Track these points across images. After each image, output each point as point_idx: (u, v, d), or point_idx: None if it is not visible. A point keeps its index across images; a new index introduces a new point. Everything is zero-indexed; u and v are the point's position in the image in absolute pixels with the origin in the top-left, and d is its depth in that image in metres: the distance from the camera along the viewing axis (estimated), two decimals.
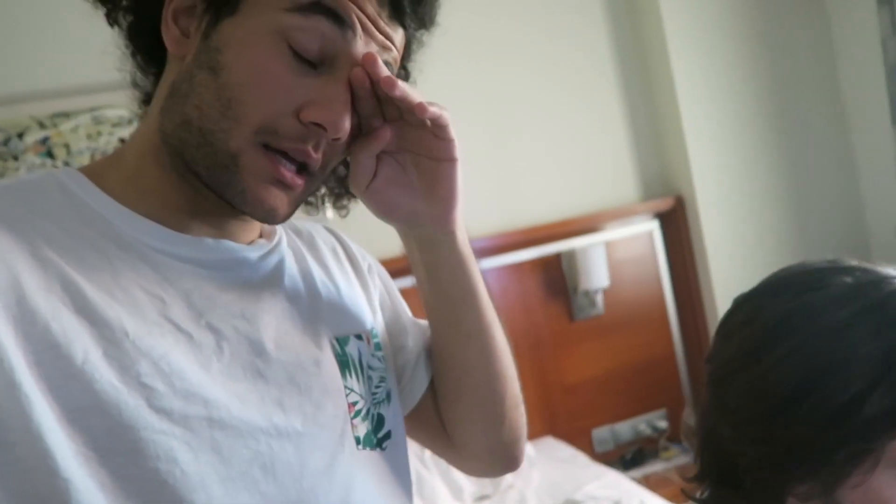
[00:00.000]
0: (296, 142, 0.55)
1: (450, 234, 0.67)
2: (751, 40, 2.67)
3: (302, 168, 0.57)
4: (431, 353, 0.75)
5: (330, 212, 0.75)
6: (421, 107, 0.58)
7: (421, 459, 2.07)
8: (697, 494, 0.72)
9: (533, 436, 2.45)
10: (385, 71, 0.57)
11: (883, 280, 0.60)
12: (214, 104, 0.54)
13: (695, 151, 2.62)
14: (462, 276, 0.69)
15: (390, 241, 0.72)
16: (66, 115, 2.09)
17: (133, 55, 0.62)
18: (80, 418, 0.47)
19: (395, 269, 0.83)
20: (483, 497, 2.16)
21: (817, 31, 2.76)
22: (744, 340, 0.65)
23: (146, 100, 0.64)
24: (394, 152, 0.63)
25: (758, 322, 0.64)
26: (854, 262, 0.64)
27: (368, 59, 0.56)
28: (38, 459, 0.45)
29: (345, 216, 0.73)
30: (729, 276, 2.60)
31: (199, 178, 0.56)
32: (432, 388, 0.75)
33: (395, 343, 0.74)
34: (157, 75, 0.62)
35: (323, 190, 0.72)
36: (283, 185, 0.56)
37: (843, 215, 2.74)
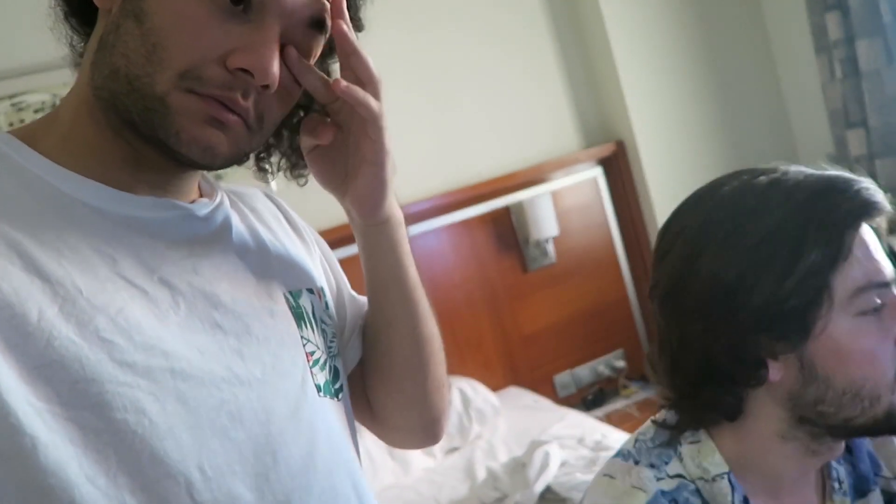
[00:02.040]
0: (222, 88, 0.54)
1: (373, 227, 0.68)
2: None
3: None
4: (365, 325, 0.77)
5: (274, 183, 0.74)
6: (344, 92, 0.59)
7: None
8: (660, 418, 0.75)
9: (497, 387, 2.50)
10: (341, 24, 0.58)
11: (766, 171, 0.69)
12: (139, 50, 0.53)
13: (631, 96, 2.66)
14: (387, 265, 0.70)
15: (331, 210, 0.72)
16: None
17: (66, 18, 0.61)
18: (42, 376, 0.47)
19: (338, 237, 0.83)
20: (452, 449, 2.21)
21: None
22: (678, 254, 0.70)
23: (80, 63, 0.63)
24: (341, 128, 0.64)
25: (683, 235, 0.70)
26: (737, 171, 0.72)
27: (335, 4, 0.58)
28: (0, 419, 0.45)
29: (303, 185, 0.73)
30: None
31: (134, 128, 0.55)
32: (362, 364, 0.76)
33: (338, 313, 0.75)
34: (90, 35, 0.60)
35: (278, 158, 0.71)
36: (219, 122, 0.55)
37: (776, 146, 2.83)
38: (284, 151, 0.71)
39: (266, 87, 0.56)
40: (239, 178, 0.79)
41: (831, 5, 2.39)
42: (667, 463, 0.70)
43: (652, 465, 0.70)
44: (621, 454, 0.74)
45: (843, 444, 0.72)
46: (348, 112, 0.62)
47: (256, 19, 0.55)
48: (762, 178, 0.68)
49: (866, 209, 0.65)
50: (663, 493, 0.68)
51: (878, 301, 0.64)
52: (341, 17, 0.59)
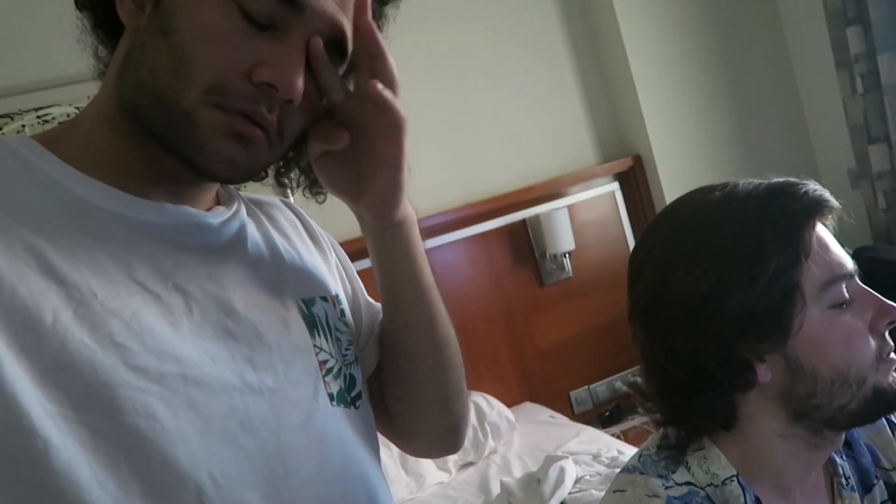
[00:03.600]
0: (247, 102, 0.55)
1: (388, 229, 0.67)
2: None
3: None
4: (380, 335, 0.76)
5: (294, 195, 0.74)
6: (378, 94, 0.58)
7: None
8: (666, 441, 0.75)
9: (512, 402, 2.48)
10: (370, 22, 0.58)
11: (717, 188, 0.72)
12: (167, 65, 0.54)
13: (648, 110, 2.66)
14: (402, 267, 0.69)
15: (350, 222, 0.72)
16: (9, 117, 2.03)
17: (93, 29, 0.62)
18: (55, 378, 0.47)
19: (355, 249, 0.83)
20: (467, 464, 2.19)
21: None
22: (652, 272, 0.72)
23: (105, 72, 0.63)
24: (352, 131, 0.63)
25: (654, 254, 0.73)
26: (694, 189, 0.75)
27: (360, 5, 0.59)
28: (13, 420, 0.45)
29: (322, 202, 0.73)
30: None
31: (158, 141, 0.56)
32: (379, 370, 0.76)
33: (354, 319, 0.74)
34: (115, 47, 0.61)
35: (297, 175, 0.71)
36: (242, 137, 0.56)
37: (795, 160, 2.81)
38: (304, 168, 0.71)
39: (290, 101, 0.56)
40: (259, 191, 0.79)
41: (852, 19, 2.37)
42: (674, 472, 0.71)
43: (659, 476, 0.70)
44: (626, 469, 0.74)
45: (843, 436, 0.74)
46: (369, 115, 0.62)
47: (282, 35, 0.56)
48: (716, 194, 0.71)
49: (818, 207, 0.68)
50: (674, 498, 0.69)
51: (847, 294, 0.68)
52: (366, 14, 0.59)
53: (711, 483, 0.70)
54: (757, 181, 0.72)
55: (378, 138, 0.62)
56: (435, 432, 0.77)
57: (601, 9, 2.67)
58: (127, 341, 0.50)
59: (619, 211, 2.78)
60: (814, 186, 0.69)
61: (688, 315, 0.69)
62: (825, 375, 0.67)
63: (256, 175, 0.63)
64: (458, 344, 0.75)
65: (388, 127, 0.61)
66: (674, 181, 2.68)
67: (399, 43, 0.63)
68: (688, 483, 0.70)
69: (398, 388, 0.74)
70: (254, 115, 0.55)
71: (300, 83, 0.56)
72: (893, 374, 0.70)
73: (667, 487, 0.69)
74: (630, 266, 0.76)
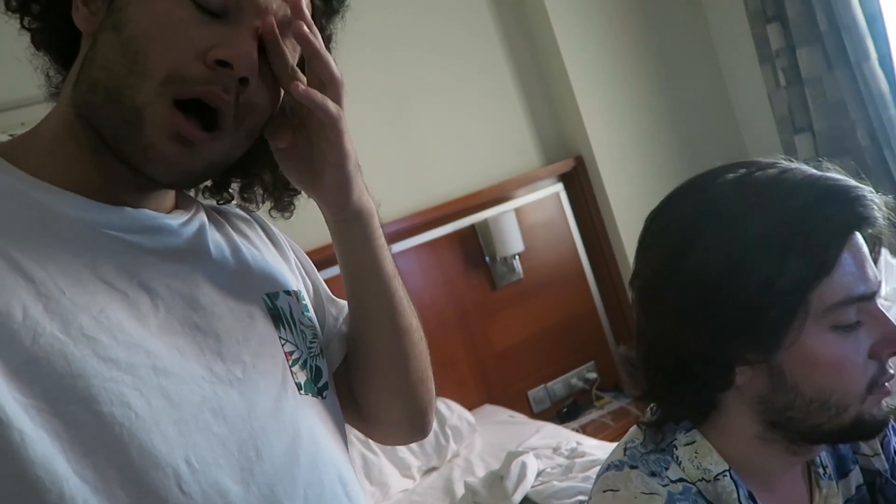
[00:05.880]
0: (205, 84, 0.55)
1: (343, 222, 0.69)
2: (626, 1, 2.81)
3: (210, 126, 0.57)
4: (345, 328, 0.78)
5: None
6: (301, 95, 0.58)
7: (366, 444, 2.09)
8: (646, 418, 0.74)
9: (472, 405, 2.50)
10: (301, 25, 0.58)
11: (764, 167, 0.68)
12: (120, 60, 0.54)
13: (587, 112, 2.73)
14: (362, 258, 0.71)
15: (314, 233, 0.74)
16: None
17: (45, 48, 0.62)
18: (29, 371, 0.47)
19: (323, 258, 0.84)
20: (431, 469, 2.20)
21: None
22: (663, 248, 0.69)
23: (58, 92, 0.64)
24: (305, 129, 0.64)
25: (670, 230, 0.69)
26: (736, 162, 0.70)
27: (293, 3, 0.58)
28: None
29: (288, 217, 0.74)
30: (634, 224, 2.69)
31: (108, 146, 0.56)
32: (345, 362, 0.78)
33: (317, 314, 0.76)
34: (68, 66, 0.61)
35: (262, 193, 0.73)
36: (186, 141, 0.55)
37: (727, 153, 2.92)
38: (266, 186, 0.72)
39: (245, 80, 0.56)
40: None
41: (771, 17, 2.50)
42: (666, 468, 0.69)
43: (653, 473, 0.68)
44: (613, 466, 0.71)
45: (821, 446, 0.72)
46: (308, 114, 0.63)
47: (234, 22, 0.56)
48: (760, 175, 0.66)
49: (857, 223, 0.63)
50: (674, 495, 0.67)
51: (854, 317, 0.64)
52: (301, 17, 0.59)
53: (703, 478, 0.68)
54: (809, 172, 0.65)
55: (319, 138, 0.63)
56: (401, 418, 0.79)
57: (537, 18, 2.74)
58: (97, 334, 0.51)
59: (564, 211, 2.84)
60: (863, 195, 0.63)
61: (688, 301, 0.65)
62: (807, 393, 0.65)
63: (203, 178, 0.64)
64: (423, 332, 0.77)
65: (322, 127, 0.62)
66: (615, 179, 2.76)
67: (344, 56, 0.64)
68: (681, 480, 0.68)
69: (364, 376, 0.76)
70: (213, 97, 0.55)
71: (254, 57, 0.56)
72: (883, 403, 0.66)
73: (663, 486, 0.67)
74: (643, 230, 0.72)
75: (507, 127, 2.78)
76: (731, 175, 0.67)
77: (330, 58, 0.61)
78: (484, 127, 2.74)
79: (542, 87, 2.84)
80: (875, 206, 0.63)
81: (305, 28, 0.59)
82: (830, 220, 0.62)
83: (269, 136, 0.65)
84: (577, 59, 2.72)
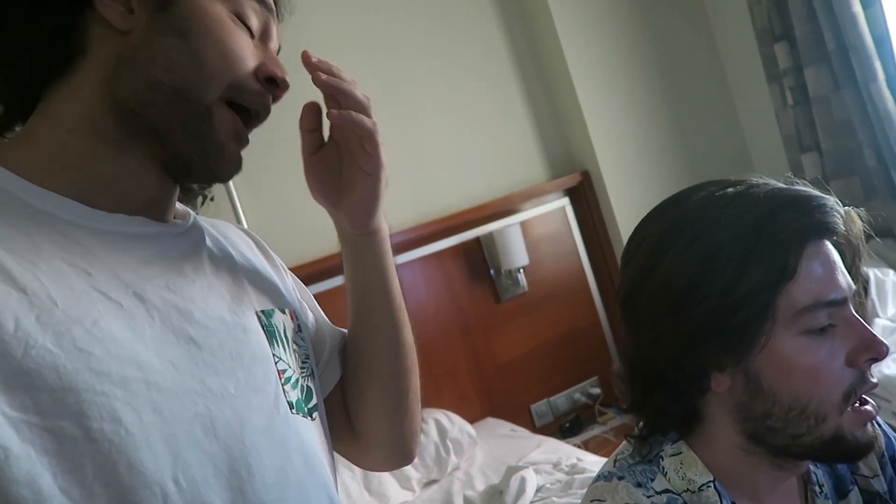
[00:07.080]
0: (258, 96, 0.64)
1: (363, 237, 0.73)
2: (633, 16, 2.82)
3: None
4: (346, 344, 0.79)
5: (245, 221, 0.79)
6: (339, 120, 0.66)
7: None
8: (636, 431, 0.75)
9: (474, 418, 2.49)
10: (321, 76, 0.66)
11: (734, 184, 0.70)
12: (187, 63, 0.59)
13: (593, 127, 2.74)
14: (374, 274, 0.75)
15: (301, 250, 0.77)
16: None
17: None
18: (20, 384, 0.47)
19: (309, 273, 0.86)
20: (431, 482, 2.20)
21: (693, 3, 2.94)
22: (639, 260, 0.72)
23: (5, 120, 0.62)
24: (339, 142, 0.70)
25: (645, 243, 0.72)
26: (711, 181, 0.73)
27: (305, 56, 0.66)
28: None
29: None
30: None
31: (160, 141, 0.59)
32: (342, 383, 0.79)
33: (318, 338, 0.77)
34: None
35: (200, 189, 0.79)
36: (241, 139, 0.64)
37: (734, 171, 2.90)
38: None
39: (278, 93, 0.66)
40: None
41: (779, 36, 2.50)
42: (652, 479, 0.70)
43: (639, 484, 0.69)
44: (602, 477, 0.72)
45: (806, 462, 0.72)
46: (345, 129, 0.68)
47: (263, 42, 0.66)
48: (728, 191, 0.69)
49: (816, 230, 0.65)
50: None
51: (827, 320, 0.65)
52: (314, 70, 0.66)
53: (688, 489, 0.69)
54: (775, 185, 0.68)
55: (357, 150, 0.69)
56: (393, 438, 0.79)
57: (545, 32, 2.76)
58: (90, 347, 0.50)
59: (570, 225, 2.84)
60: (824, 203, 0.66)
61: (658, 310, 0.68)
62: (784, 401, 0.65)
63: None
64: (425, 345, 0.80)
65: (360, 140, 0.68)
66: (620, 194, 2.76)
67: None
68: (666, 491, 0.69)
69: (362, 392, 0.77)
70: (264, 108, 0.65)
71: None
72: (866, 428, 0.66)
73: (648, 497, 0.68)
74: (624, 248, 0.75)
75: (513, 141, 2.80)
76: (703, 192, 0.71)
77: (352, 88, 0.67)
78: (491, 140, 2.75)
79: (550, 102, 2.85)
80: (837, 215, 0.66)
81: (324, 76, 0.66)
82: (789, 226, 0.64)
83: (303, 145, 0.71)
84: (584, 74, 2.73)
